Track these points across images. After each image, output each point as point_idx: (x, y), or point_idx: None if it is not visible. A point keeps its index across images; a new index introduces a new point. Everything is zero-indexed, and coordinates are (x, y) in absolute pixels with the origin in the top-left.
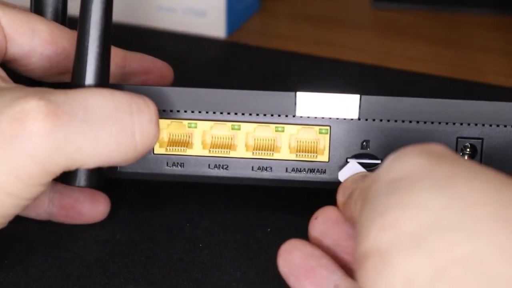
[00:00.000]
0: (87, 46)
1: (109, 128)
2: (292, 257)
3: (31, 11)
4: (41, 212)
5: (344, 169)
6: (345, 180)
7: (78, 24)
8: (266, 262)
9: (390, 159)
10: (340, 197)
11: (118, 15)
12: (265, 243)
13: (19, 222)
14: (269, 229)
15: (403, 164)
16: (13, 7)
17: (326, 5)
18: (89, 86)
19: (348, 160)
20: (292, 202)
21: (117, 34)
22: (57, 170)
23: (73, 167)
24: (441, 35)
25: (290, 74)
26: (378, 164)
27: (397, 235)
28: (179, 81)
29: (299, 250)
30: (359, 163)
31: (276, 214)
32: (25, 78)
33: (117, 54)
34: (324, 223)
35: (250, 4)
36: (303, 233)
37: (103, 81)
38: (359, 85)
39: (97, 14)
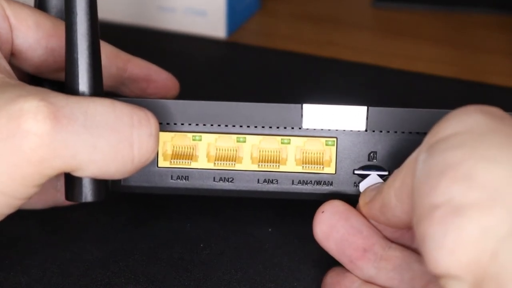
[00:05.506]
0: (77, 58)
1: (108, 137)
2: (326, 278)
3: None
4: (49, 202)
5: (365, 180)
6: (366, 188)
7: (66, 37)
8: (267, 262)
9: (445, 119)
10: (362, 200)
11: (119, 15)
12: (266, 243)
13: (19, 222)
14: (270, 229)
15: (464, 120)
16: (17, 1)
17: (326, 5)
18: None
19: (355, 172)
20: (293, 201)
21: (117, 34)
22: (52, 173)
23: (67, 171)
24: (442, 34)
25: (290, 74)
26: (385, 175)
27: (471, 186)
28: (179, 81)
29: (332, 271)
30: (366, 174)
31: (277, 213)
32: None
33: (120, 57)
34: (332, 216)
35: (250, 4)
36: (303, 233)
37: (97, 90)
38: (359, 85)
39: (83, 26)
